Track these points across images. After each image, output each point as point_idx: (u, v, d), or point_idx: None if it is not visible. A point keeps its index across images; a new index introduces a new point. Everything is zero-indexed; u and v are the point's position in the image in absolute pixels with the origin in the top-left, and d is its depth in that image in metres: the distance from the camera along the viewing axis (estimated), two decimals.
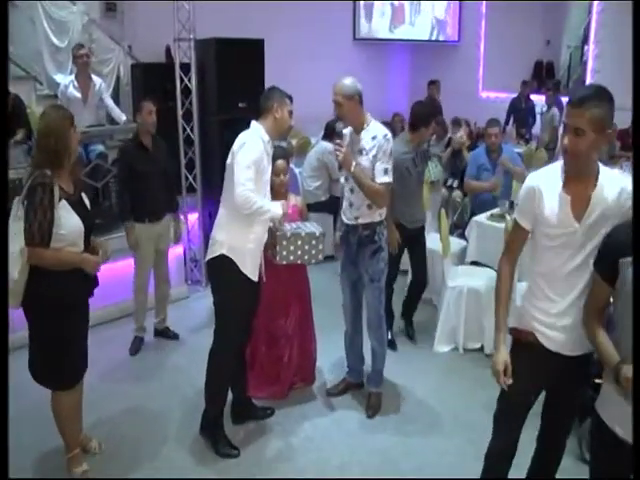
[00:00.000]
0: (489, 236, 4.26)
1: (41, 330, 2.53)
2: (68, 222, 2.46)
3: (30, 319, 2.54)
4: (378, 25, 9.88)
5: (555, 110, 8.09)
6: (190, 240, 5.11)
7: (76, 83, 4.96)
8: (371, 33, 9.86)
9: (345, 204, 3.21)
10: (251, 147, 2.66)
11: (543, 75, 10.69)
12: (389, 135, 3.06)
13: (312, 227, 3.07)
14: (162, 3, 4.95)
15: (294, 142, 7.39)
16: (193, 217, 5.13)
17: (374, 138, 3.01)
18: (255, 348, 3.40)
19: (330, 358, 3.82)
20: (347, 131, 3.15)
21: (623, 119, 2.67)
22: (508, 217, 4.31)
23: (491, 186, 4.67)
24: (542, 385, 2.23)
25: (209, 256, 2.83)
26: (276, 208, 2.76)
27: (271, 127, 2.78)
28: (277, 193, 3.27)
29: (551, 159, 7.59)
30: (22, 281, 2.42)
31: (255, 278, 2.85)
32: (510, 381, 2.08)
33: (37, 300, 2.48)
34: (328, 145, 5.71)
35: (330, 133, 5.86)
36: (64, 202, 2.45)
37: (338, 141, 3.00)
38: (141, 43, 6.51)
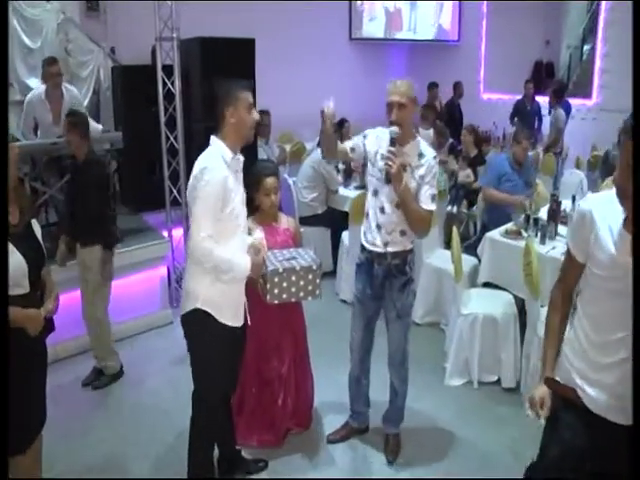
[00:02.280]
0: (504, 255, 3.85)
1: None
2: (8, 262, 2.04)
3: None
4: (374, 26, 9.55)
5: (561, 111, 7.69)
6: (175, 259, 4.68)
7: (44, 96, 4.46)
8: (368, 33, 9.51)
9: (370, 225, 2.75)
10: (212, 176, 2.20)
11: (543, 75, 10.41)
12: (437, 156, 2.72)
13: (307, 256, 2.64)
14: (147, 2, 4.51)
15: (287, 148, 7.00)
16: (178, 233, 4.70)
17: (422, 156, 2.62)
18: (244, 391, 2.98)
19: (326, 395, 3.38)
20: (376, 137, 2.74)
21: None
22: (525, 233, 3.92)
23: (516, 201, 4.21)
24: (582, 455, 1.78)
25: (182, 311, 2.41)
26: (242, 265, 2.30)
27: (232, 138, 2.31)
28: (267, 215, 2.88)
29: (558, 165, 7.23)
30: None
31: (238, 323, 2.43)
32: (546, 413, 1.77)
33: None
34: None
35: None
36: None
37: (392, 149, 2.55)
38: (125, 44, 6.13)
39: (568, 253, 1.82)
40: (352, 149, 2.79)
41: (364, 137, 2.78)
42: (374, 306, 2.85)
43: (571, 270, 1.82)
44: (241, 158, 2.40)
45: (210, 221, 2.20)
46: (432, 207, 2.62)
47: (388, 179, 2.58)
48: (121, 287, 3.92)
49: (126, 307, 4.08)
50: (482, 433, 3.19)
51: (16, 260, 2.07)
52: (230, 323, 2.37)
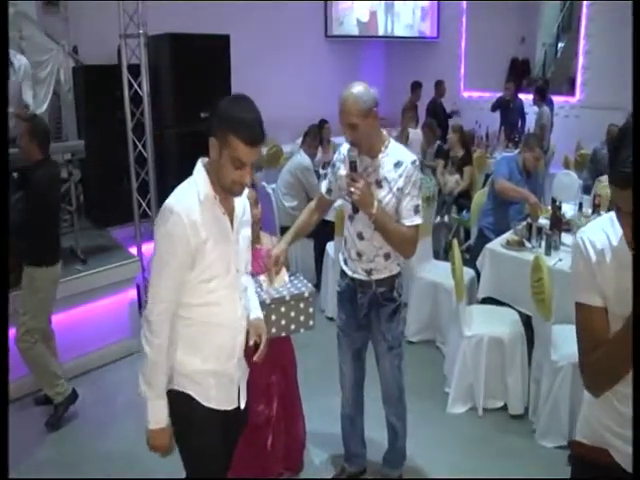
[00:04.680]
0: (506, 268, 3.56)
1: None
2: None
3: None
4: (350, 23, 9.28)
5: (546, 109, 7.49)
6: (146, 278, 4.28)
7: None
8: (344, 30, 9.21)
9: (349, 253, 2.43)
10: (176, 222, 1.64)
11: (519, 73, 10.31)
12: (417, 160, 2.33)
13: (297, 282, 2.31)
14: None
15: (264, 152, 6.62)
16: (149, 248, 4.30)
17: (398, 165, 2.26)
18: None
19: (317, 425, 3.04)
20: (343, 154, 2.39)
21: (616, 119, 2.09)
22: (528, 244, 3.64)
23: (531, 198, 3.86)
24: None
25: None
26: (157, 405, 1.76)
27: (215, 173, 1.72)
28: None
29: (545, 164, 7.02)
30: None
31: (230, 405, 1.88)
32: None
33: None
34: (303, 159, 4.98)
35: (310, 139, 5.15)
36: None
37: (352, 174, 2.21)
38: (88, 42, 5.69)
39: (584, 309, 1.45)
40: (329, 190, 2.48)
41: (333, 167, 2.45)
42: (361, 337, 2.53)
43: (597, 325, 1.43)
44: (240, 196, 1.81)
45: (170, 286, 1.69)
46: (417, 221, 2.28)
47: (356, 208, 2.26)
48: (85, 314, 3.54)
49: (91, 336, 3.68)
50: (490, 466, 2.89)
51: None
52: (219, 406, 1.84)
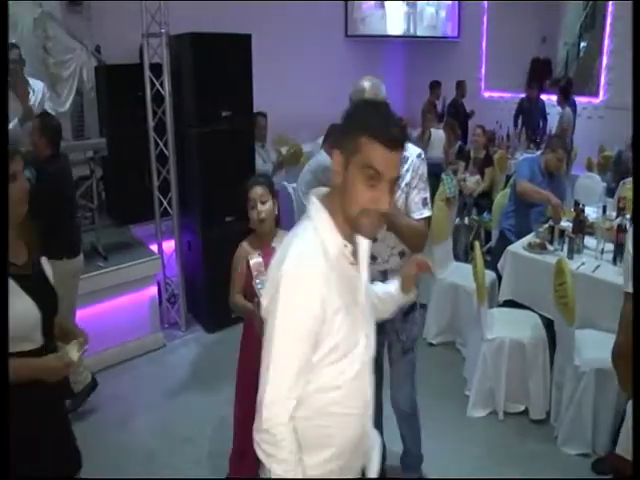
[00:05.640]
0: (528, 271, 3.52)
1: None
2: (15, 309, 1.62)
3: None
4: (370, 23, 9.24)
5: (569, 110, 7.39)
6: (166, 275, 4.30)
7: (10, 92, 4.04)
8: (364, 30, 9.17)
9: None
10: (304, 289, 1.27)
11: (540, 73, 10.20)
12: (422, 152, 2.32)
13: None
14: None
15: (284, 151, 6.62)
16: (169, 246, 4.32)
17: (404, 160, 2.22)
18: (245, 436, 2.62)
19: None
20: None
21: None
22: (550, 247, 3.58)
23: (553, 199, 3.77)
24: None
25: None
26: None
27: (339, 205, 1.31)
28: (260, 234, 2.47)
29: (567, 166, 6.92)
30: None
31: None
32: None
33: None
34: (324, 158, 4.95)
35: (330, 140, 5.11)
36: (9, 281, 1.62)
37: None
38: (111, 42, 5.73)
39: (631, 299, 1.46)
40: None
41: None
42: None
43: None
44: (362, 243, 1.40)
45: (293, 376, 1.28)
46: (426, 213, 2.26)
47: None
48: (106, 310, 3.56)
49: (111, 332, 3.69)
50: (510, 471, 2.84)
51: (26, 307, 1.65)
52: None
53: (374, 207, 1.24)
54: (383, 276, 2.31)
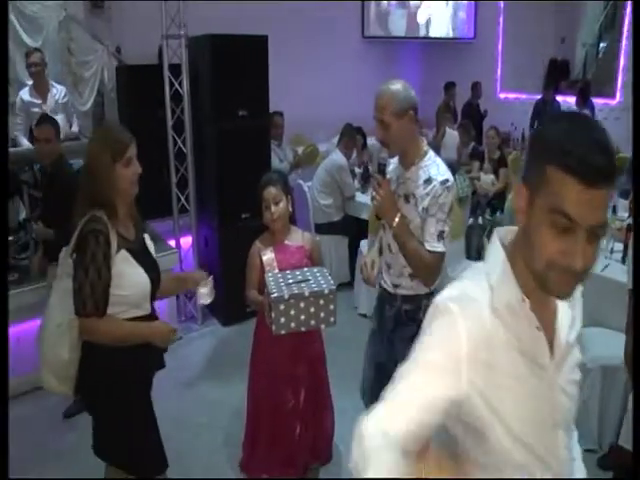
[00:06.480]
0: None
1: (115, 416, 1.91)
2: (131, 279, 1.84)
3: (93, 406, 1.93)
4: (390, 23, 9.29)
5: (586, 112, 7.39)
6: (183, 269, 4.41)
7: (34, 92, 4.29)
8: (381, 30, 9.23)
9: (382, 262, 2.31)
10: (445, 324, 1.04)
11: (558, 74, 10.15)
12: (451, 181, 2.06)
13: (321, 279, 2.33)
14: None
15: (300, 151, 6.71)
16: (186, 241, 4.44)
17: (428, 182, 2.05)
18: (259, 424, 2.72)
19: (345, 426, 3.08)
20: (393, 163, 2.24)
21: None
22: None
23: None
24: None
25: None
26: None
27: (525, 250, 1.01)
28: (274, 232, 2.56)
29: None
30: (74, 362, 1.83)
31: None
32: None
33: (98, 380, 1.86)
34: (339, 158, 5.04)
35: (347, 139, 5.18)
36: (124, 252, 1.82)
37: (377, 177, 2.08)
38: (131, 43, 5.85)
39: None
40: None
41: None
42: (385, 352, 2.30)
43: None
44: (567, 299, 1.04)
45: (415, 399, 1.09)
46: (439, 248, 2.04)
47: (378, 216, 2.13)
48: None
49: None
50: None
51: (139, 277, 1.86)
52: None
53: (565, 263, 0.92)
54: (394, 288, 2.24)
